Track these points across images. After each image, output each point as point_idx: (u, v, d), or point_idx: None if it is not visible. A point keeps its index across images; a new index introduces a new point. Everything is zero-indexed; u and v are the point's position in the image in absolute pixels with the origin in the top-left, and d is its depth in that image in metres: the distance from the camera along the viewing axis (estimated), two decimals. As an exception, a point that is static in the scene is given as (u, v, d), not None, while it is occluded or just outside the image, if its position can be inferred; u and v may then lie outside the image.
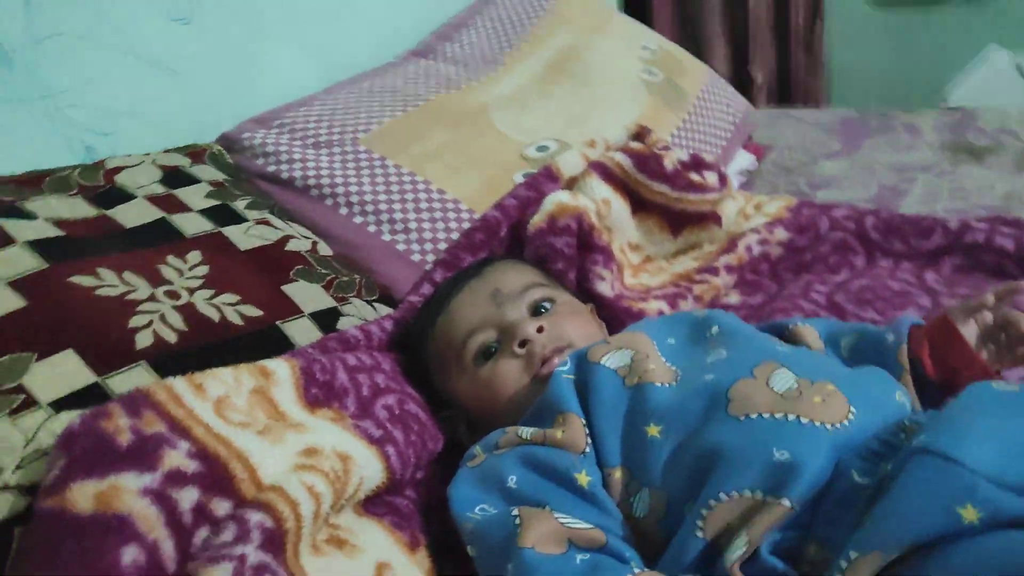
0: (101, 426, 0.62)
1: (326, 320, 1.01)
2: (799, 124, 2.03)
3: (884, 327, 0.87)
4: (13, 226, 0.88)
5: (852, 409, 0.68)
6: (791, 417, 0.68)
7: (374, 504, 0.80)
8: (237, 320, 0.91)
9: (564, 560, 0.67)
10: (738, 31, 2.93)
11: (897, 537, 0.57)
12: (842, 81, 3.22)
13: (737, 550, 0.64)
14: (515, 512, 0.70)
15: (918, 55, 3.07)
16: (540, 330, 0.89)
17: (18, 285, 0.81)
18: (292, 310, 0.98)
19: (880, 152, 1.80)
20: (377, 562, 0.72)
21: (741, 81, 2.90)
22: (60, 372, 0.77)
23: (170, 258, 0.95)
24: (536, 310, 0.94)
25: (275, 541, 0.62)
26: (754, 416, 0.69)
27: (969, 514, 0.54)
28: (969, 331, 0.83)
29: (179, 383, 0.70)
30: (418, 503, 0.85)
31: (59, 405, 0.74)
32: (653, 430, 0.74)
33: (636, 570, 0.65)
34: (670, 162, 1.27)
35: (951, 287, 1.19)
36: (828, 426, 0.67)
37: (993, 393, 0.63)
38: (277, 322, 0.95)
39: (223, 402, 0.72)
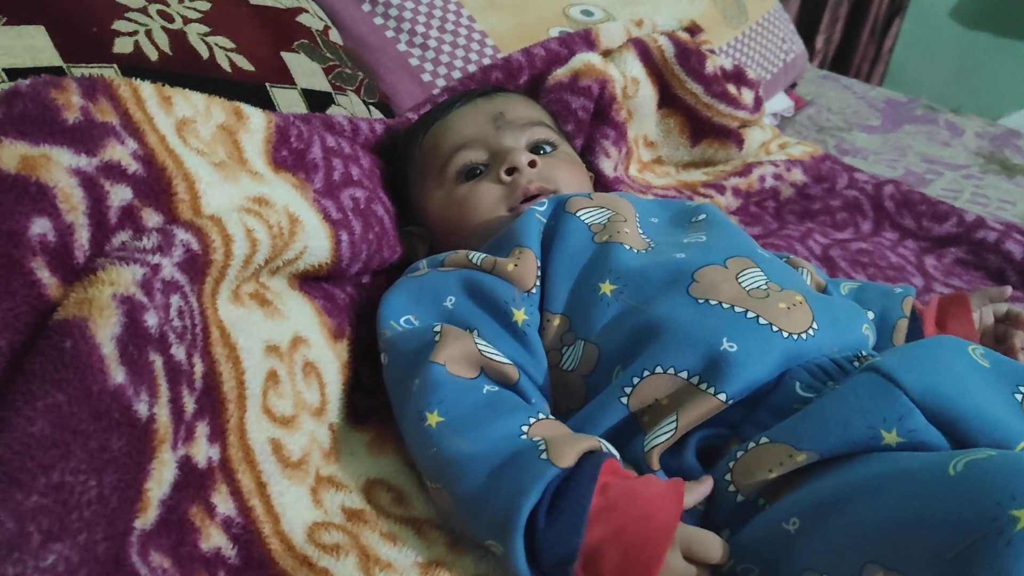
0: (51, 95, 0.57)
1: (317, 101, 0.95)
2: (845, 92, 1.98)
3: (893, 285, 0.86)
4: None
5: (815, 324, 0.65)
6: (751, 314, 0.64)
7: (310, 285, 0.76)
8: (226, 65, 0.86)
9: (471, 385, 0.64)
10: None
11: (810, 438, 0.55)
12: (896, 81, 3.13)
13: (663, 435, 0.61)
14: (437, 328, 0.67)
15: (980, 80, 2.98)
16: (533, 164, 0.84)
17: (6, -53, 0.75)
18: (285, 78, 0.92)
19: (916, 140, 1.74)
20: (295, 334, 0.68)
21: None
22: (26, 44, 0.71)
23: (173, -19, 0.88)
24: (535, 148, 0.89)
25: (196, 266, 0.57)
26: (713, 303, 0.66)
27: (890, 438, 0.52)
28: (977, 316, 0.82)
29: (146, 87, 0.65)
30: (356, 302, 0.81)
31: (15, 74, 0.69)
32: (607, 287, 0.70)
33: (540, 415, 0.62)
34: (712, 64, 1.21)
35: (947, 277, 1.15)
36: (785, 333, 0.63)
37: (966, 354, 0.59)
38: (267, 83, 0.89)
39: (187, 124, 0.67)
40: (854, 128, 1.78)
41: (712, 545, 0.55)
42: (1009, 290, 0.85)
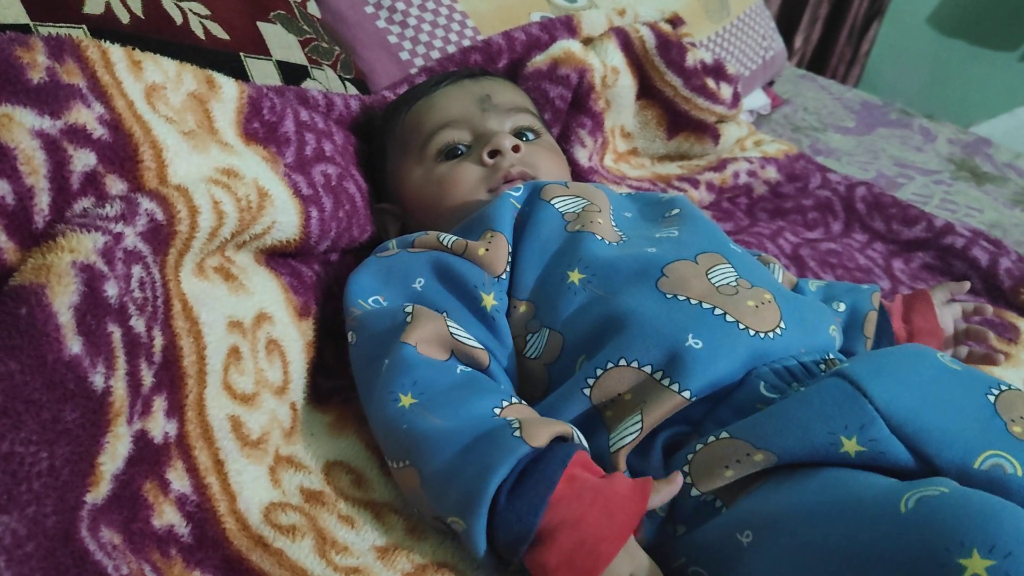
0: (15, 53, 0.55)
1: (292, 74, 0.94)
2: (822, 92, 1.99)
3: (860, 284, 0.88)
4: None
5: (782, 324, 0.65)
6: (718, 311, 0.64)
7: (277, 262, 0.74)
8: (200, 32, 0.84)
9: (443, 366, 0.63)
10: None
11: (769, 437, 0.55)
12: (871, 84, 3.15)
13: (629, 435, 0.61)
14: (408, 308, 0.66)
15: (953, 88, 3.01)
16: (516, 149, 0.83)
17: None
18: (260, 49, 0.90)
19: (890, 143, 1.76)
20: (260, 310, 0.67)
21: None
22: (-10, -1, 0.69)
23: (148, -56, 0.86)
24: (519, 134, 0.89)
25: (160, 237, 0.56)
26: (681, 298, 0.65)
27: (850, 446, 0.52)
28: (941, 310, 0.85)
29: (116, 50, 0.63)
30: (323, 280, 0.80)
31: (-23, 30, 0.66)
32: (575, 276, 0.70)
33: (512, 399, 0.62)
34: (692, 58, 1.20)
35: (913, 281, 1.16)
36: (752, 331, 0.63)
37: (935, 360, 0.60)
38: (241, 53, 0.88)
39: (156, 90, 0.65)
40: (829, 129, 1.79)
41: None
42: (968, 285, 0.88)
